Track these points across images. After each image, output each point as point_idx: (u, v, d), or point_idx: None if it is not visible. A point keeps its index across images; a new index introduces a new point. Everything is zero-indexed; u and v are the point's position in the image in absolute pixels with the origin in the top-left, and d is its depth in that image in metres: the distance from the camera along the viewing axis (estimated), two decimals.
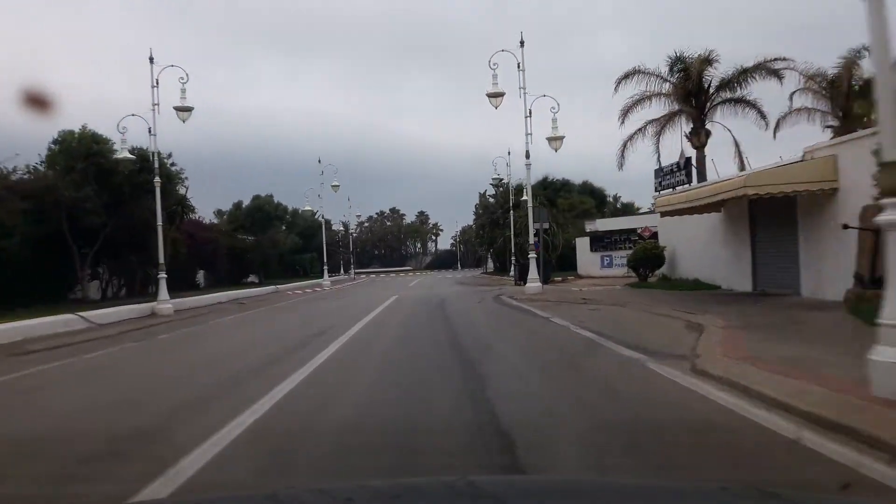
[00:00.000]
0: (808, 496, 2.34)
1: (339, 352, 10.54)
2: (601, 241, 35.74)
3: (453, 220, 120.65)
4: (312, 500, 1.97)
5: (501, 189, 44.68)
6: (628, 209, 52.42)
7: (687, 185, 23.60)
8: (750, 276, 18.27)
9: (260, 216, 55.02)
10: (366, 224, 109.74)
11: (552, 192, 47.41)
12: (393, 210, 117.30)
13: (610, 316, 14.14)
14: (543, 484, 2.44)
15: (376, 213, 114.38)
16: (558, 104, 23.02)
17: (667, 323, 12.38)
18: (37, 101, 10.77)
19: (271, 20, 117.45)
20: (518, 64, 22.50)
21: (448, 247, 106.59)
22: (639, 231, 29.72)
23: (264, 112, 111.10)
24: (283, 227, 56.16)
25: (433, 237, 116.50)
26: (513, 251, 37.18)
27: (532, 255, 24.27)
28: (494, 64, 21.66)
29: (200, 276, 37.99)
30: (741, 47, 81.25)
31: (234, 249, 39.91)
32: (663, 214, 22.35)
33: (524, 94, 22.64)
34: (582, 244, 36.89)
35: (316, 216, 50.70)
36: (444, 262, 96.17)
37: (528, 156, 23.67)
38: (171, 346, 13.88)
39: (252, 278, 43.28)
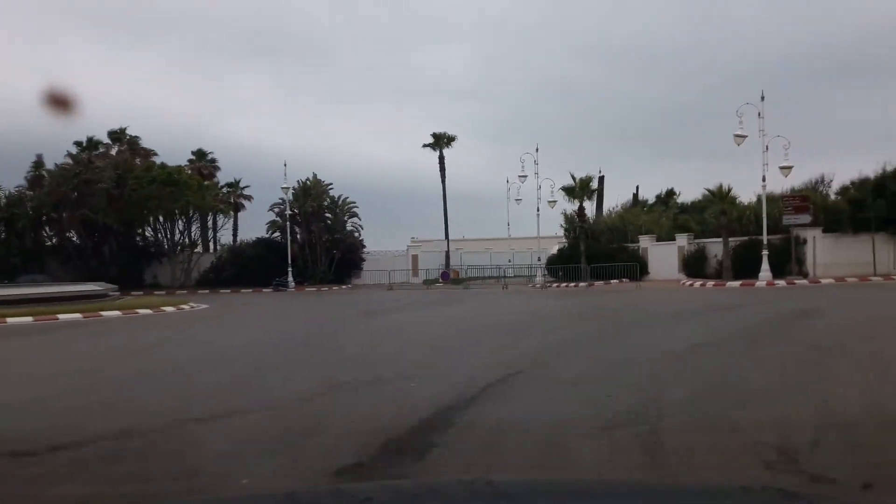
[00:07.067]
0: (829, 496, 2.44)
1: None
2: None
3: (275, 182, 43.32)
4: (331, 501, 1.92)
5: None
6: None
7: None
8: None
9: None
10: (58, 167, 41.20)
11: None
12: (117, 135, 43.44)
13: None
14: (563, 485, 2.43)
15: (78, 143, 41.47)
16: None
17: None
18: None
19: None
20: None
21: (265, 233, 43.61)
22: None
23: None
24: None
25: (224, 210, 44.60)
26: None
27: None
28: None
29: None
30: None
31: None
32: None
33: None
34: None
35: None
36: (246, 268, 39.89)
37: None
38: None
39: None
